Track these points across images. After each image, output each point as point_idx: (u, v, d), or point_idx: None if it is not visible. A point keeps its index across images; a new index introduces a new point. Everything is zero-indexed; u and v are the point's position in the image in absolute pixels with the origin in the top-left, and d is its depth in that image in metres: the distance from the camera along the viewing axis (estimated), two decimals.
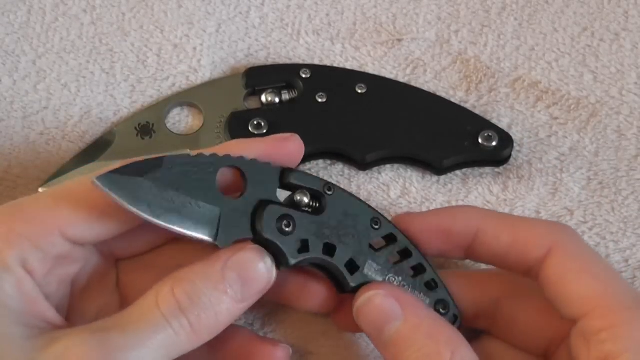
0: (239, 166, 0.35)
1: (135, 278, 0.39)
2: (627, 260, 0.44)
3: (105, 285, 0.39)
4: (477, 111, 0.48)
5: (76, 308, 0.37)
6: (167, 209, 0.33)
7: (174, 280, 0.33)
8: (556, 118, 0.48)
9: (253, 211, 0.35)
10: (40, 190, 0.45)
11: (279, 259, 0.35)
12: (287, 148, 0.37)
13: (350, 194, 0.38)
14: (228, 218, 0.34)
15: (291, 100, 0.48)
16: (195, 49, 0.50)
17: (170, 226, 0.33)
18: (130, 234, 0.37)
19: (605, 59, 0.50)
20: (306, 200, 0.36)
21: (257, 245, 0.35)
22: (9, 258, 0.33)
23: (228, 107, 0.48)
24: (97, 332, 0.32)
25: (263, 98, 0.48)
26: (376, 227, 0.38)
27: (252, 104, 0.49)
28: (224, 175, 0.35)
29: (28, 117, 0.48)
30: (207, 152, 0.35)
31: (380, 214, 0.38)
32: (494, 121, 0.48)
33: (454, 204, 0.46)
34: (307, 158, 0.47)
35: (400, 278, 0.38)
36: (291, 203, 0.36)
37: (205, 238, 0.34)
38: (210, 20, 0.51)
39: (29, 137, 0.48)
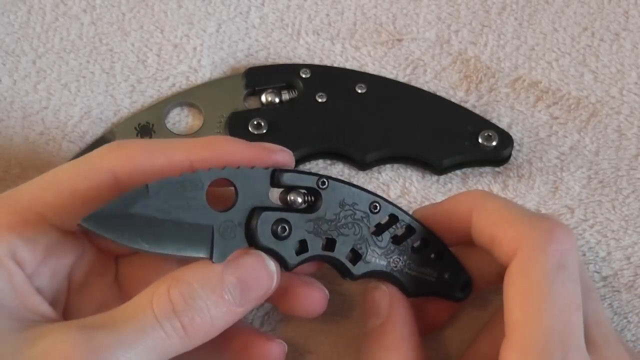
0: (227, 177, 0.35)
1: (135, 275, 0.38)
2: (628, 258, 0.44)
3: (105, 282, 0.38)
4: (477, 111, 0.48)
5: (75, 304, 0.37)
6: (159, 236, 0.33)
7: (171, 280, 0.33)
8: (556, 118, 0.48)
9: (247, 220, 0.35)
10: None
11: (279, 264, 0.35)
12: (274, 160, 0.36)
13: (346, 182, 0.37)
14: (222, 232, 0.34)
15: (291, 100, 0.48)
16: (195, 49, 0.50)
17: (165, 252, 0.33)
18: None
19: (606, 58, 0.50)
20: (300, 200, 0.36)
21: (259, 251, 0.35)
22: None
23: (228, 107, 0.48)
24: (85, 328, 0.31)
25: (263, 98, 0.48)
26: (375, 211, 0.37)
27: (252, 104, 0.49)
28: (212, 185, 0.35)
29: (28, 117, 0.48)
30: (191, 170, 0.34)
31: (379, 196, 0.38)
32: (494, 121, 0.48)
33: None
34: (307, 158, 0.47)
35: (404, 257, 0.38)
36: (284, 202, 0.36)
37: (202, 256, 0.33)
38: (210, 20, 0.52)
39: (29, 137, 0.48)
